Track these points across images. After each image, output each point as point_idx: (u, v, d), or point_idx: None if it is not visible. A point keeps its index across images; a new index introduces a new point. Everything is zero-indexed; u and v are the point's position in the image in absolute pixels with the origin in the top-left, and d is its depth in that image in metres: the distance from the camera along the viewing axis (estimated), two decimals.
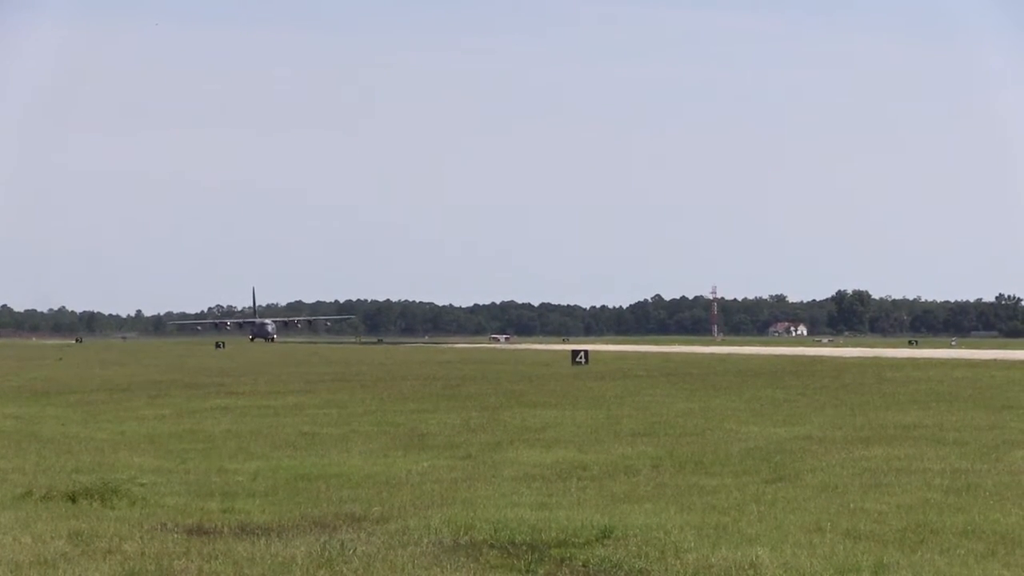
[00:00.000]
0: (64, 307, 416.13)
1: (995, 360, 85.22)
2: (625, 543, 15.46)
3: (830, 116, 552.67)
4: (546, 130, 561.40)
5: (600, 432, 30.26)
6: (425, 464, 24.00)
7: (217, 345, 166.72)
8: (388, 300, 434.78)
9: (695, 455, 24.94)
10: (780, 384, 52.72)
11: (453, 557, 14.89)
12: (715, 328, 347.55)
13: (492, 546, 15.48)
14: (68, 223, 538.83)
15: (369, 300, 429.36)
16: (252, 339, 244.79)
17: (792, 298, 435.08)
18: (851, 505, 18.42)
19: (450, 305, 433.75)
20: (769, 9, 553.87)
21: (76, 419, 35.88)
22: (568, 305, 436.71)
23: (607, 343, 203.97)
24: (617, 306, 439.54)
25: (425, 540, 15.77)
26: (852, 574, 14.04)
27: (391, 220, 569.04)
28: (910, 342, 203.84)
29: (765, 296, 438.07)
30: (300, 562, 14.66)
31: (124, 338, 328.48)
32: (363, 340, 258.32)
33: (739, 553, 14.78)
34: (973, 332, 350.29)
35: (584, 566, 14.51)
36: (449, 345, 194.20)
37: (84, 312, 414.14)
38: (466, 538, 15.93)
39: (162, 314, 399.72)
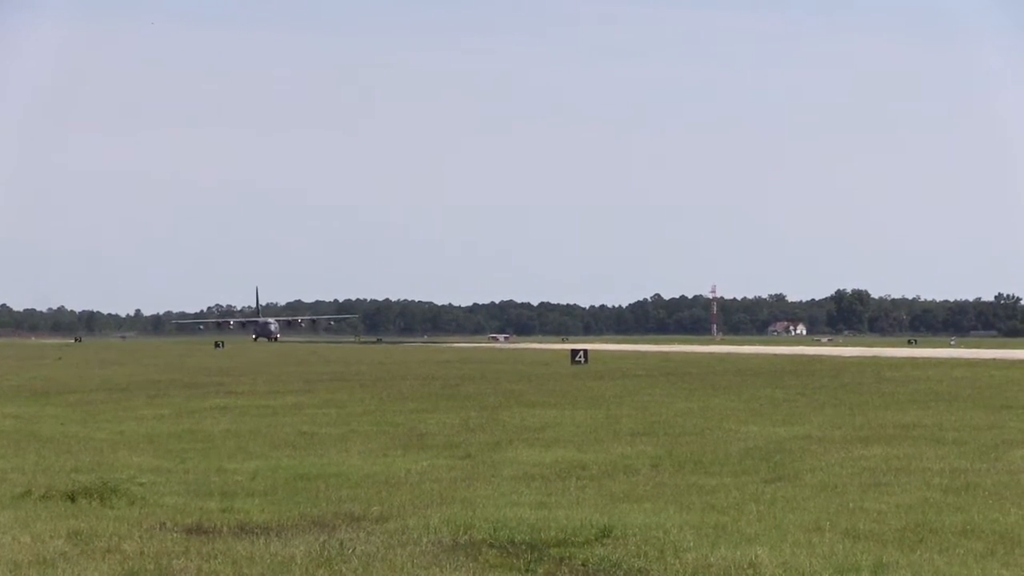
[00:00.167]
0: (63, 307, 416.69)
1: (994, 360, 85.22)
2: (624, 542, 15.46)
3: (830, 116, 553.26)
4: (546, 130, 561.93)
5: (599, 432, 30.26)
6: (424, 464, 24.00)
7: (216, 345, 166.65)
8: (387, 300, 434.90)
9: (694, 455, 24.94)
10: (779, 384, 52.72)
11: (452, 556, 14.89)
12: (714, 327, 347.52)
13: (491, 545, 15.48)
14: (67, 223, 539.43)
15: (368, 300, 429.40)
16: (256, 338, 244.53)
17: (791, 297, 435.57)
18: (850, 504, 18.42)
19: (449, 304, 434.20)
20: (769, 9, 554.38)
21: (75, 419, 35.87)
22: (567, 304, 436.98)
23: (606, 342, 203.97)
24: (616, 305, 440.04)
25: (424, 539, 15.77)
26: (851, 573, 14.04)
27: (390, 220, 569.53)
28: (909, 341, 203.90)
29: (764, 295, 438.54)
30: (299, 561, 14.66)
31: (123, 338, 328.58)
32: (362, 340, 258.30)
33: (738, 552, 14.78)
34: (972, 331, 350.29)
35: (583, 565, 14.51)
36: (448, 345, 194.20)
37: (83, 312, 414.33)
38: (465, 537, 15.93)
39: (161, 314, 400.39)
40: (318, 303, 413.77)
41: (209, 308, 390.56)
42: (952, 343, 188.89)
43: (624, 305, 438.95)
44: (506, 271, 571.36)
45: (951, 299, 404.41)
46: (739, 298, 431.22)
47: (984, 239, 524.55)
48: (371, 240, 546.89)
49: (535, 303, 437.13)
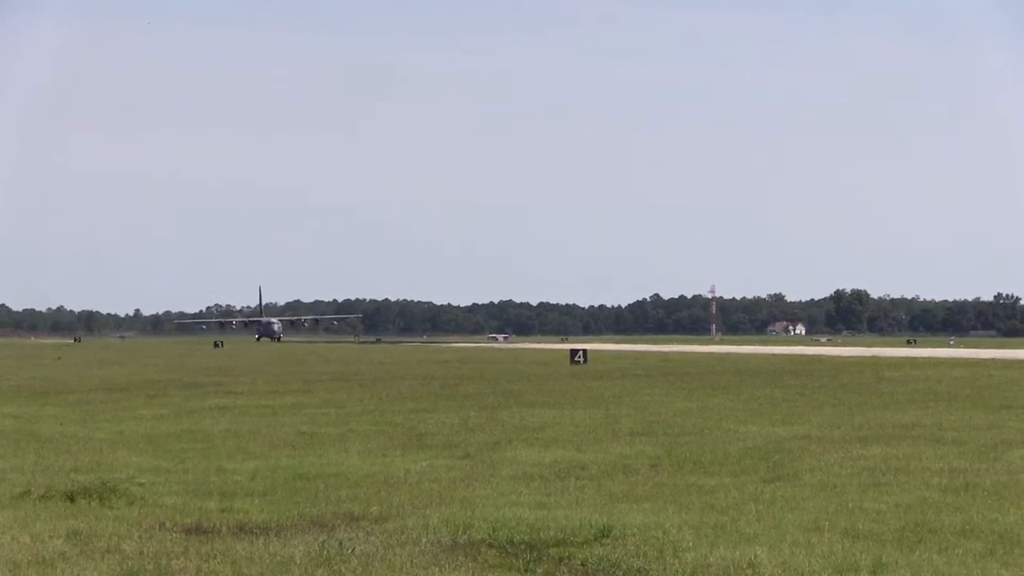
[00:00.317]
0: (62, 306, 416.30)
1: (993, 359, 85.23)
2: (623, 542, 15.46)
3: (830, 116, 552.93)
4: (546, 130, 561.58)
5: (598, 431, 30.27)
6: (423, 463, 24.00)
7: (216, 344, 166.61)
8: (386, 299, 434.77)
9: (693, 454, 24.95)
10: (778, 383, 52.72)
11: (451, 556, 14.89)
12: (713, 327, 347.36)
13: (490, 545, 15.48)
14: (67, 223, 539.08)
15: (367, 299, 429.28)
16: (258, 338, 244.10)
17: (790, 297, 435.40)
18: (849, 504, 18.43)
19: (448, 304, 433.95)
20: (769, 9, 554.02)
21: (74, 419, 35.87)
22: (567, 304, 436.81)
23: (606, 342, 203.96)
24: (616, 305, 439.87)
25: (424, 539, 15.78)
26: (850, 573, 14.04)
27: (390, 220, 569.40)
28: (908, 341, 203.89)
29: (763, 295, 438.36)
30: (299, 561, 14.67)
31: (122, 337, 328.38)
32: (361, 339, 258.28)
33: (737, 552, 14.78)
34: (971, 331, 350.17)
35: (583, 565, 14.52)
36: (447, 345, 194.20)
37: (82, 312, 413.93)
38: (464, 537, 15.94)
39: (160, 314, 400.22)
40: (317, 303, 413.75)
41: (208, 308, 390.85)
42: (951, 343, 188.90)
43: (623, 305, 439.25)
44: (505, 271, 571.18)
45: (950, 299, 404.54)
46: (738, 298, 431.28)
47: (983, 239, 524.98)
48: (370, 240, 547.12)
49: (534, 303, 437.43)
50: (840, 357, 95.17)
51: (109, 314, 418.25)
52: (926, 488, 20.11)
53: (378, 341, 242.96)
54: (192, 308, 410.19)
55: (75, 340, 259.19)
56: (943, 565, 14.31)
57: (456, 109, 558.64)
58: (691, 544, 15.29)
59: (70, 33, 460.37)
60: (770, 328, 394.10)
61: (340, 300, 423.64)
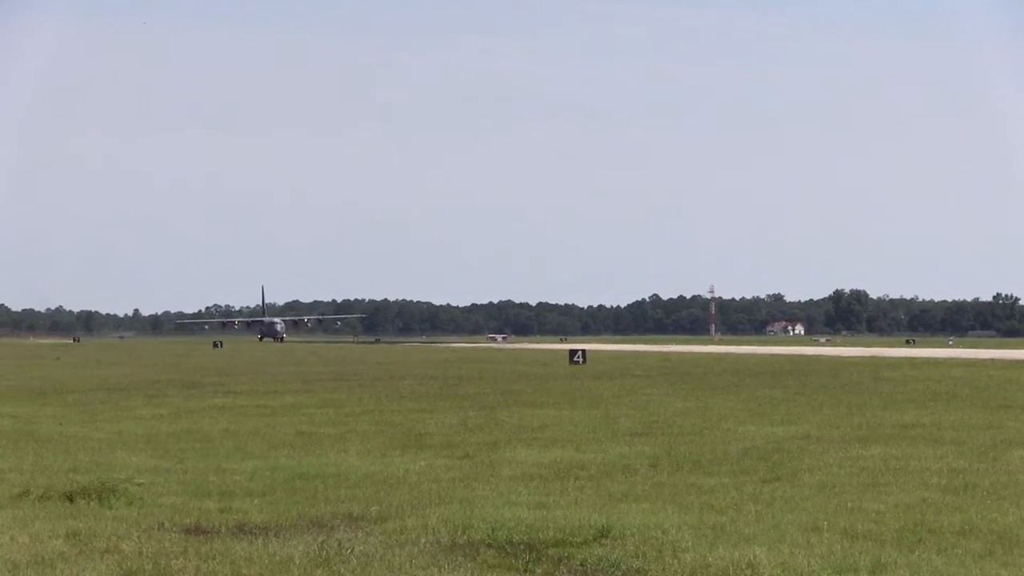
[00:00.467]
0: (61, 307, 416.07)
1: (993, 359, 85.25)
2: (623, 542, 15.46)
3: (830, 116, 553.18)
4: (546, 130, 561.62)
5: (598, 432, 30.27)
6: (423, 464, 24.00)
7: (215, 344, 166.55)
8: (386, 299, 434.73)
9: (693, 454, 24.95)
10: (778, 383, 52.72)
11: (451, 556, 14.89)
12: (713, 327, 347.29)
13: (490, 546, 15.48)
14: (67, 223, 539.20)
15: (367, 299, 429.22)
16: (261, 338, 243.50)
17: (790, 297, 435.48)
18: (849, 504, 18.43)
19: (448, 304, 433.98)
20: (769, 9, 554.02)
21: (74, 419, 35.86)
22: (566, 304, 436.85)
23: (605, 342, 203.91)
24: (615, 305, 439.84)
25: (423, 540, 15.78)
26: (850, 573, 14.04)
27: (389, 220, 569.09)
28: (908, 341, 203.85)
29: (763, 295, 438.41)
30: (298, 561, 14.67)
31: (122, 337, 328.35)
32: (360, 339, 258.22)
33: (736, 553, 14.78)
34: (971, 331, 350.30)
35: (582, 565, 14.52)
36: (447, 345, 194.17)
37: (82, 312, 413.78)
38: (464, 538, 15.94)
39: (159, 314, 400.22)
40: (316, 303, 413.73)
41: (208, 308, 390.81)
42: (950, 343, 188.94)
43: (622, 305, 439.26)
44: (504, 271, 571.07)
45: (949, 299, 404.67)
46: (737, 298, 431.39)
47: (983, 239, 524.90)
48: (369, 240, 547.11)
49: (533, 303, 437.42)
50: (839, 357, 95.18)
51: (108, 314, 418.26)
52: (925, 488, 20.11)
53: (377, 341, 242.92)
54: (191, 308, 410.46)
55: (74, 340, 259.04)
56: (942, 565, 14.31)
57: (456, 109, 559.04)
58: (690, 544, 15.29)
59: (70, 33, 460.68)
60: (769, 328, 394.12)
61: (339, 300, 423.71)
